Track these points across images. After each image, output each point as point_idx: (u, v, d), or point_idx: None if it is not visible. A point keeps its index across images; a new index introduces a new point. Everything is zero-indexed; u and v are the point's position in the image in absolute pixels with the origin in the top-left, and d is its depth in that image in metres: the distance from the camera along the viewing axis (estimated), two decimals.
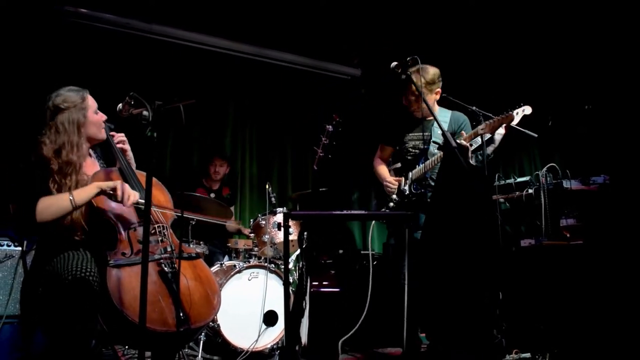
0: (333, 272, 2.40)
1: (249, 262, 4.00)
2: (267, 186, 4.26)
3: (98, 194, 2.43)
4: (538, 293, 3.81)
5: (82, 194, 2.40)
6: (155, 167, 2.93)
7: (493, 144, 3.99)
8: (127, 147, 2.85)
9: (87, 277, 2.28)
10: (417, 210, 3.23)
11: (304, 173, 6.11)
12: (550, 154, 5.01)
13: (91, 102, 2.67)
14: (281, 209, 4.28)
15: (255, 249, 4.30)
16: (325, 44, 5.65)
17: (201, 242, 4.33)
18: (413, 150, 3.46)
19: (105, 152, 2.85)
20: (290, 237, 4.22)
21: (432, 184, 3.37)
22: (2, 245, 3.45)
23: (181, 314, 2.37)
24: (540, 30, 5.19)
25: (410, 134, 3.49)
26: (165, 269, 2.48)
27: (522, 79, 5.48)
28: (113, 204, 2.54)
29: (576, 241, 3.72)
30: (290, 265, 4.31)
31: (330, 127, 2.48)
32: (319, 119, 6.12)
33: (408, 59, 3.01)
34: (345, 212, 2.46)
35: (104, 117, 2.72)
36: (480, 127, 2.97)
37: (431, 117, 3.26)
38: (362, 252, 4.80)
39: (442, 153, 3.20)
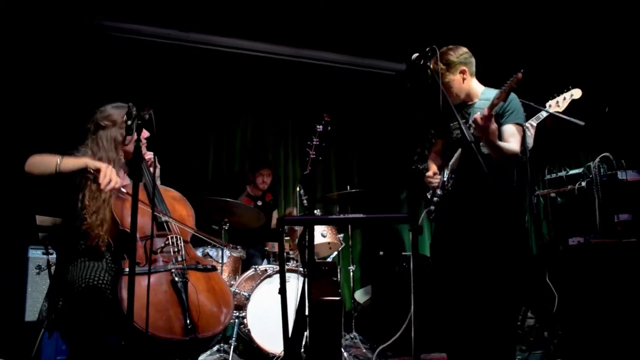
0: (335, 278, 2.31)
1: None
2: (297, 188, 4.21)
3: (83, 170, 2.45)
4: (587, 297, 3.53)
5: (70, 162, 2.45)
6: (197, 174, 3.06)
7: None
8: (156, 165, 2.92)
9: (99, 285, 2.39)
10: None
11: (348, 173, 6.00)
12: (606, 143, 4.60)
13: None
14: (316, 211, 4.22)
15: (291, 252, 4.27)
16: (366, 40, 5.52)
17: (238, 247, 4.37)
18: (457, 140, 3.24)
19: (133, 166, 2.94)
20: (326, 240, 4.17)
21: None
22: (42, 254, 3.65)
23: (188, 323, 2.39)
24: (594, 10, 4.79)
25: (454, 123, 3.26)
26: (176, 278, 2.51)
27: (575, 62, 5.07)
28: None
29: (629, 238, 3.39)
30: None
31: (320, 127, 2.38)
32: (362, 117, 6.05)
33: (427, 49, 2.85)
34: (342, 216, 2.37)
35: (146, 133, 2.79)
36: (495, 97, 2.67)
37: (472, 101, 3.04)
38: (403, 254, 4.68)
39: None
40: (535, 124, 3.65)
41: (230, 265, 4.24)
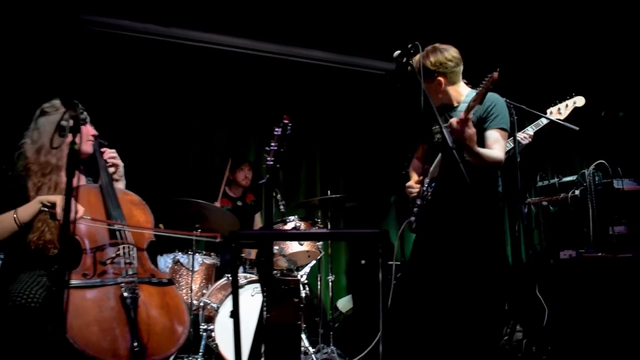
0: (296, 299, 2.08)
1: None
2: (274, 193, 3.98)
3: (41, 210, 2.32)
4: (578, 312, 3.31)
5: (26, 211, 2.33)
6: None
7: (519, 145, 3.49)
8: (117, 162, 2.76)
9: (28, 303, 2.18)
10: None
11: (334, 176, 5.77)
12: (602, 149, 4.38)
13: None
14: (293, 217, 3.99)
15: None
16: (356, 38, 5.28)
17: (212, 253, 4.13)
18: (438, 144, 3.02)
19: (94, 168, 2.76)
20: (304, 248, 3.95)
21: None
22: None
23: (135, 345, 2.16)
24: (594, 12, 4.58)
25: (435, 126, 3.03)
26: (125, 294, 2.27)
27: (573, 68, 4.86)
28: (83, 221, 2.40)
29: (625, 253, 3.17)
30: (304, 279, 4.03)
31: (278, 130, 2.15)
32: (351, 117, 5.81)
33: (410, 45, 2.63)
34: (305, 231, 2.14)
35: (93, 131, 2.68)
36: (471, 99, 2.45)
37: (456, 104, 2.81)
38: (389, 262, 4.44)
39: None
40: (532, 132, 3.46)
41: (202, 272, 4.01)
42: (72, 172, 1.89)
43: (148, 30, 4.92)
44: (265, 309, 1.92)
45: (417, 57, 2.69)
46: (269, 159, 2.08)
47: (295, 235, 2.17)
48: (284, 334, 1.87)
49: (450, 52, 2.79)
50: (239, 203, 4.90)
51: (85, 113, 2.57)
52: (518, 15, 4.73)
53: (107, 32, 4.77)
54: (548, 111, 3.54)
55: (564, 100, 3.53)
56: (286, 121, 2.12)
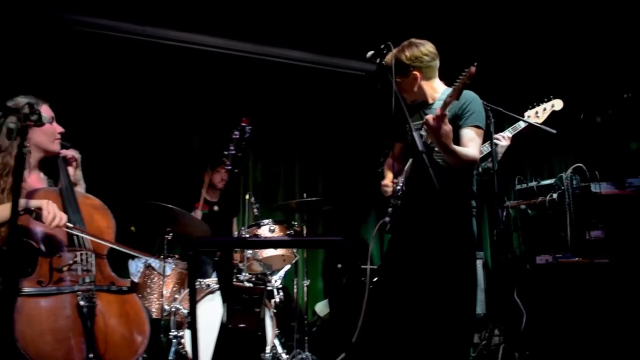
0: (257, 309, 2.00)
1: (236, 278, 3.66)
2: (247, 196, 3.89)
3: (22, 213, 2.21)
4: (556, 317, 3.27)
5: (3, 211, 2.19)
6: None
7: (498, 153, 3.44)
8: (75, 165, 2.68)
9: None
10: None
11: (313, 179, 5.68)
12: (582, 153, 4.34)
13: (44, 112, 2.46)
14: (268, 220, 3.90)
15: (241, 264, 3.94)
16: (335, 38, 5.21)
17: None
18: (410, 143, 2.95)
19: (54, 170, 2.66)
20: (279, 252, 3.87)
21: None
22: None
23: (91, 356, 2.07)
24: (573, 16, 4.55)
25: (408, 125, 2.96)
26: (82, 302, 2.18)
27: (551, 70, 4.83)
28: (40, 225, 2.31)
29: (601, 259, 3.12)
30: (278, 283, 3.95)
31: (236, 133, 2.06)
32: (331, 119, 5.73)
33: (382, 46, 2.57)
34: (264, 238, 2.06)
35: (60, 129, 2.58)
36: (447, 95, 2.38)
37: (430, 102, 2.75)
38: (362, 266, 4.38)
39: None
40: (510, 135, 3.41)
41: (174, 277, 3.90)
42: (20, 175, 1.79)
43: (123, 29, 4.81)
44: (224, 316, 1.83)
45: (393, 51, 2.64)
46: (227, 162, 1.99)
47: (253, 243, 2.09)
48: (244, 342, 1.79)
49: (427, 47, 2.72)
50: (216, 208, 4.78)
51: (46, 113, 2.50)
52: (497, 16, 4.70)
53: (81, 30, 4.65)
54: (526, 114, 3.49)
55: (542, 103, 3.48)
56: (244, 124, 2.03)
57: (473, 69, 2.24)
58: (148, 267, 3.87)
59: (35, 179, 2.55)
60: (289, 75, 5.47)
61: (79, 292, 2.21)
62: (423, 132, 2.57)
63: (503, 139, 3.37)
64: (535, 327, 3.72)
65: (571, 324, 3.28)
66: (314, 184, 5.63)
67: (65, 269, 2.27)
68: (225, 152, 2.04)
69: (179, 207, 3.60)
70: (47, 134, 2.51)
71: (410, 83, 2.70)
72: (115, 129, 4.75)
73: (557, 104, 3.43)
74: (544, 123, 3.42)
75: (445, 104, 2.33)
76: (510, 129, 3.43)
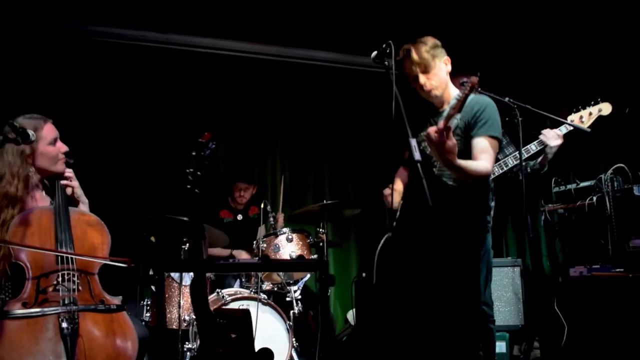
0: (234, 335, 1.88)
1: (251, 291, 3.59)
2: (262, 205, 3.79)
3: None
4: (595, 333, 2.95)
5: None
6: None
7: (548, 153, 3.18)
8: (73, 184, 2.64)
9: None
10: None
11: (343, 185, 5.51)
12: (624, 151, 3.93)
13: (46, 133, 2.51)
14: (286, 229, 3.79)
15: (261, 274, 3.85)
16: (357, 36, 5.01)
17: None
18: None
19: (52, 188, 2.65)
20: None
21: None
22: None
23: None
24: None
25: (421, 133, 2.74)
26: (63, 324, 2.14)
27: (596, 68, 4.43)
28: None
29: None
30: (297, 294, 3.82)
31: (194, 152, 1.91)
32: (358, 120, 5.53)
33: (384, 45, 2.39)
34: (240, 261, 1.93)
35: (64, 148, 2.57)
36: (450, 106, 2.16)
37: (442, 108, 2.55)
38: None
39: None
40: (561, 133, 3.13)
41: None
42: None
43: (144, 38, 4.83)
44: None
45: (413, 54, 2.45)
46: (190, 179, 1.85)
47: (226, 267, 1.97)
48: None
49: (432, 39, 2.54)
50: (239, 217, 4.70)
51: (49, 132, 2.48)
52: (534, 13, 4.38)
53: (95, 40, 4.69)
54: (569, 118, 3.20)
55: (588, 107, 3.17)
56: (204, 140, 1.89)
57: (475, 79, 2.03)
58: (167, 276, 3.86)
59: (38, 198, 2.54)
60: (314, 76, 5.33)
61: (60, 314, 2.16)
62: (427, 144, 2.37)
63: (554, 138, 3.10)
64: (576, 342, 3.41)
65: (612, 342, 2.96)
66: (344, 188, 5.47)
67: (50, 289, 2.24)
68: (187, 171, 1.90)
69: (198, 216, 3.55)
70: (49, 156, 2.51)
71: (442, 68, 2.50)
72: (136, 139, 4.78)
73: (605, 108, 3.13)
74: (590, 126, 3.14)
75: (448, 117, 2.11)
76: (562, 127, 3.16)
